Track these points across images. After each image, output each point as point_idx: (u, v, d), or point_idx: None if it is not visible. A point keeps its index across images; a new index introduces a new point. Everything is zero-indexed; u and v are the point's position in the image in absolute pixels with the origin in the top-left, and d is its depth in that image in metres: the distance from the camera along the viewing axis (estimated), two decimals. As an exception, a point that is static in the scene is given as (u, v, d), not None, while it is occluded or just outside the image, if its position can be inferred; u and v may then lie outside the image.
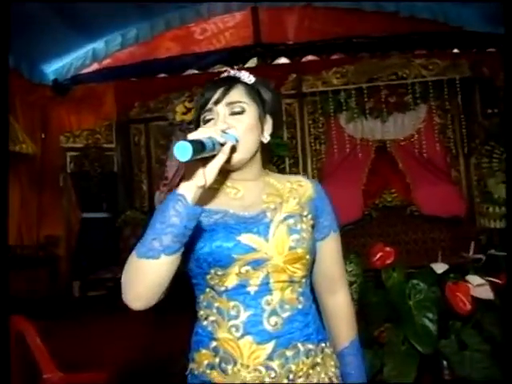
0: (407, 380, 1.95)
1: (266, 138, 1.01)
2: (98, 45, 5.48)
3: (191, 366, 0.97)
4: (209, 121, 0.97)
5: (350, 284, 2.33)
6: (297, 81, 5.06)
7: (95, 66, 5.62)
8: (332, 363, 0.99)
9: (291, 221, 0.96)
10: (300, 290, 0.96)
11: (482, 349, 2.04)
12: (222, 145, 0.84)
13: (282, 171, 4.95)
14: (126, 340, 3.39)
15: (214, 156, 0.83)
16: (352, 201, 4.75)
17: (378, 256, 2.21)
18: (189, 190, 0.83)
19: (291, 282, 0.94)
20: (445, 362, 2.07)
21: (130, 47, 5.56)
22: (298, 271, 0.95)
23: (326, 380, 0.95)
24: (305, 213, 0.99)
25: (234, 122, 0.95)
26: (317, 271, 1.05)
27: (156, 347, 3.19)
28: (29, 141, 4.22)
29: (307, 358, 0.93)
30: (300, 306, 0.95)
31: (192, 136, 0.81)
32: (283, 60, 5.56)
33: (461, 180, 4.81)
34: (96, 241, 5.01)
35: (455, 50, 5.29)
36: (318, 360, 0.95)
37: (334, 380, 0.97)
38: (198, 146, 0.77)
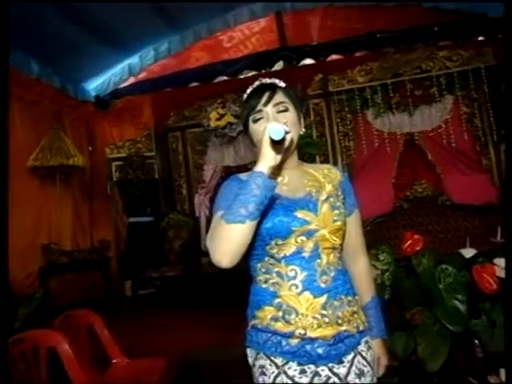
0: (440, 357, 2.08)
1: (303, 131, 1.26)
2: (133, 60, 5.83)
3: (253, 322, 1.18)
4: (259, 120, 1.19)
5: (383, 272, 2.50)
6: (323, 81, 5.20)
7: (132, 80, 5.98)
8: (362, 312, 1.24)
9: (332, 199, 1.20)
10: (338, 255, 1.21)
11: None
12: (287, 133, 1.08)
13: (313, 169, 5.11)
14: (174, 332, 3.69)
15: (278, 142, 1.06)
16: (383, 194, 4.87)
17: (408, 243, 2.36)
18: (265, 168, 1.07)
19: (333, 248, 1.19)
20: (476, 341, 2.19)
21: (163, 60, 5.88)
22: (338, 240, 1.19)
23: (361, 324, 1.20)
24: (338, 193, 1.24)
25: (282, 119, 1.16)
26: (344, 242, 1.26)
27: (198, 339, 3.48)
28: (79, 154, 4.60)
29: (349, 307, 1.17)
30: (340, 268, 1.20)
31: (274, 124, 1.07)
32: (309, 61, 5.70)
33: (492, 167, 4.82)
34: (143, 243, 5.36)
35: (480, 38, 5.28)
36: (355, 309, 1.20)
37: (366, 325, 1.22)
38: (285, 129, 1.06)
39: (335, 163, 5.22)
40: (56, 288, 4.22)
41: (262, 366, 1.14)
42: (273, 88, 1.21)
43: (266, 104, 1.19)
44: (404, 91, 4.90)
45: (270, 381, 1.12)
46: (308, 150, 4.98)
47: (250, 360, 1.19)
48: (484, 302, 2.20)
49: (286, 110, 1.19)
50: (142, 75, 5.99)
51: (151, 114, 5.58)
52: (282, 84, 1.24)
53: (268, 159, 1.07)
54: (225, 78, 5.78)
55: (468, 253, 2.36)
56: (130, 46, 5.58)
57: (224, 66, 5.78)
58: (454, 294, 2.19)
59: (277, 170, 1.20)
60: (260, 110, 1.19)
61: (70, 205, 4.87)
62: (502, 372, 1.81)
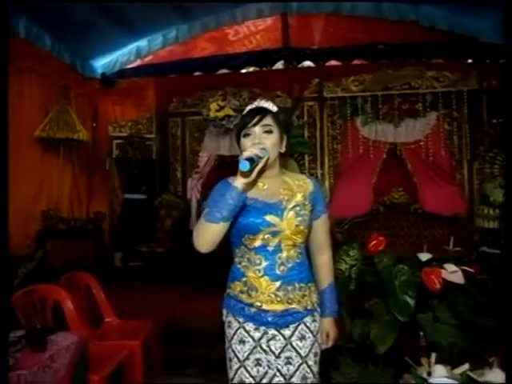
0: (388, 342, 2.45)
1: (283, 150, 1.60)
2: (142, 43, 6.04)
3: (228, 291, 1.58)
4: (248, 135, 1.50)
5: (351, 267, 2.85)
6: (319, 86, 5.52)
7: (138, 62, 6.19)
8: (315, 295, 1.60)
9: (298, 208, 1.52)
10: (299, 250, 1.55)
11: (451, 322, 2.51)
12: (261, 158, 1.42)
13: (301, 166, 5.48)
14: (160, 302, 4.00)
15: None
16: (363, 196, 5.25)
17: (373, 243, 2.71)
18: (240, 184, 1.40)
19: (294, 245, 1.52)
20: (421, 332, 2.57)
21: (170, 46, 6.10)
22: (299, 239, 1.53)
23: (310, 304, 1.55)
24: (306, 202, 1.55)
25: (265, 139, 1.49)
26: (312, 239, 1.63)
27: (182, 309, 3.87)
28: (84, 130, 4.85)
29: (300, 291, 1.53)
30: (298, 260, 1.54)
31: (246, 154, 1.38)
32: (308, 63, 6.01)
33: (464, 183, 5.24)
34: (135, 219, 5.65)
35: (469, 61, 5.65)
36: (306, 293, 1.55)
37: (315, 305, 1.58)
38: (252, 161, 1.37)
39: (322, 163, 5.58)
40: (51, 251, 4.50)
41: (229, 322, 1.55)
42: (264, 111, 1.52)
43: (255, 125, 1.50)
44: (392, 104, 5.25)
45: (233, 331, 1.53)
46: (298, 148, 5.32)
47: (223, 317, 1.59)
48: (432, 300, 2.58)
49: (270, 132, 1.50)
50: (149, 58, 6.19)
51: (154, 98, 5.83)
52: (274, 108, 1.57)
53: (242, 179, 1.40)
54: (227, 70, 6.04)
55: (424, 257, 2.72)
56: (139, 30, 5.78)
57: (227, 58, 6.01)
58: (406, 290, 2.53)
59: (259, 178, 1.52)
60: (249, 128, 1.51)
61: (70, 177, 5.14)
62: (433, 355, 2.20)
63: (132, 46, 6.06)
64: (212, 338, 3.19)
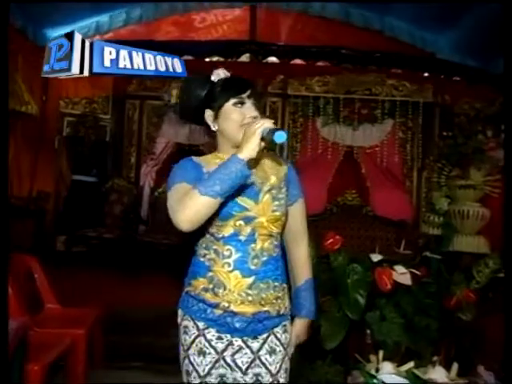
0: (338, 339, 2.50)
1: None
2: (103, 18, 5.73)
3: (188, 288, 1.34)
4: (239, 104, 1.29)
5: (304, 264, 2.88)
6: (283, 83, 5.57)
7: (97, 38, 5.89)
8: (287, 298, 1.38)
9: (274, 191, 1.32)
10: (275, 242, 1.33)
11: (397, 322, 2.62)
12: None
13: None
14: (104, 290, 3.82)
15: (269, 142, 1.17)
16: (317, 196, 5.33)
17: (329, 241, 2.75)
18: (246, 157, 1.16)
19: (270, 235, 1.31)
20: (368, 330, 2.64)
21: (133, 25, 5.86)
22: (276, 229, 1.32)
23: (283, 308, 1.34)
24: (281, 185, 1.34)
25: (255, 113, 1.29)
26: (287, 228, 1.39)
27: (127, 298, 3.72)
28: (33, 102, 4.52)
29: (274, 291, 1.31)
30: (274, 254, 1.33)
31: (270, 125, 1.17)
32: (273, 59, 6.00)
33: (412, 190, 5.53)
34: (83, 202, 5.37)
35: (426, 74, 5.93)
36: (280, 295, 1.33)
37: (288, 310, 1.37)
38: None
39: (279, 160, 5.60)
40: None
41: (186, 327, 1.31)
42: (252, 85, 1.35)
43: (249, 96, 1.30)
44: (353, 108, 5.41)
45: (191, 339, 1.29)
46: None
47: (179, 320, 1.35)
48: (380, 299, 2.67)
49: (258, 108, 1.32)
50: (109, 35, 5.90)
51: (112, 76, 5.54)
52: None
53: (252, 152, 1.17)
54: (190, 57, 5.87)
55: (375, 257, 2.81)
56: (102, 4, 5.49)
57: (192, 45, 5.88)
58: (358, 289, 2.59)
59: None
60: (242, 98, 1.30)
61: (13, 151, 4.76)
62: (381, 353, 2.26)
63: (92, 21, 5.74)
64: (158, 327, 3.12)
